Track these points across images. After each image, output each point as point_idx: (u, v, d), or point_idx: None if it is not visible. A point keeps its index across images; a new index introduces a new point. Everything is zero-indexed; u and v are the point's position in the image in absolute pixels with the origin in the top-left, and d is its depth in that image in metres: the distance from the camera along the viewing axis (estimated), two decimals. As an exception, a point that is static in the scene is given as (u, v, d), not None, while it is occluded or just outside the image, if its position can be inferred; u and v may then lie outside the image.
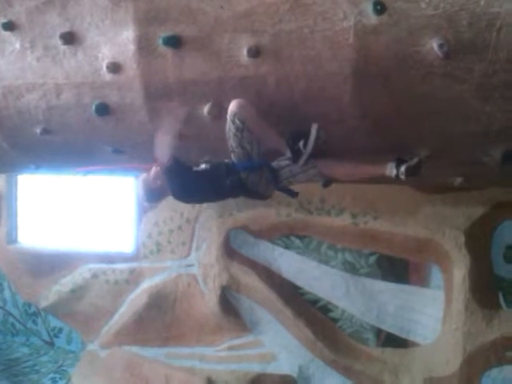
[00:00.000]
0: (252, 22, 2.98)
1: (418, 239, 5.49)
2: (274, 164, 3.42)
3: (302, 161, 3.31)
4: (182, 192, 3.52)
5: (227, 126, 3.14)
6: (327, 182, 4.00)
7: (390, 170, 3.22)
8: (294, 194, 3.72)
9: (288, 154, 3.34)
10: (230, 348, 6.43)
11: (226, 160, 3.37)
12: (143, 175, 3.52)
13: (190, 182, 3.44)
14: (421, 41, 2.76)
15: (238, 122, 3.09)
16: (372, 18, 2.77)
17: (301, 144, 3.26)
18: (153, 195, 3.56)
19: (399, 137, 3.25)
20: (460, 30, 2.68)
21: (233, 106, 3.12)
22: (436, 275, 5.67)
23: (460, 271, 5.27)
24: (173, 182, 3.42)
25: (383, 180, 3.43)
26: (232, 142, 3.18)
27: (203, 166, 3.48)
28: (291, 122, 3.26)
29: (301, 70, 3.02)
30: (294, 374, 6.07)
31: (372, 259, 5.88)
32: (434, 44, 2.71)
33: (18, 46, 3.54)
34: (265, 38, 2.98)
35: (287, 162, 3.41)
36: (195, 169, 3.47)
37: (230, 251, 6.29)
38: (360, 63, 2.88)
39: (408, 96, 2.97)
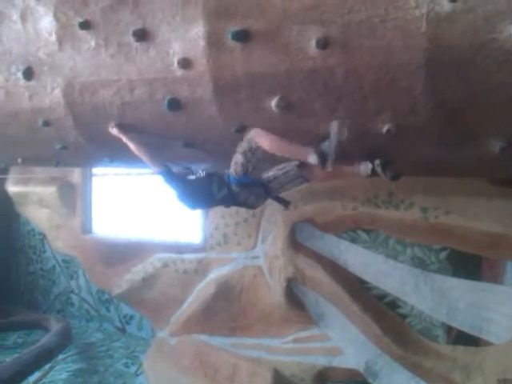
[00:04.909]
0: (321, 13, 2.94)
1: (491, 234, 5.25)
2: (264, 179, 3.61)
3: (329, 164, 3.13)
4: (180, 195, 3.87)
5: (242, 144, 3.45)
6: (395, 175, 3.91)
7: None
8: (285, 203, 3.99)
9: (313, 159, 3.18)
10: (296, 340, 6.46)
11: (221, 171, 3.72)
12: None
13: (183, 187, 3.79)
14: (498, 27, 2.64)
15: (253, 144, 3.38)
16: (445, 6, 2.68)
17: (326, 144, 3.16)
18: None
19: (473, 128, 3.13)
20: (543, 15, 2.55)
21: (254, 131, 3.41)
22: (511, 272, 5.42)
23: (537, 269, 5.03)
24: (171, 185, 3.83)
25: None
26: (238, 158, 3.47)
27: (196, 175, 3.86)
28: (360, 115, 3.21)
29: (371, 60, 2.96)
30: (361, 369, 6.01)
31: (443, 255, 5.71)
32: (513, 30, 2.59)
33: (93, 43, 3.67)
34: (333, 29, 2.94)
35: (274, 174, 3.61)
36: (189, 177, 3.84)
37: (295, 244, 6.30)
38: (433, 52, 2.79)
39: (483, 86, 2.85)
